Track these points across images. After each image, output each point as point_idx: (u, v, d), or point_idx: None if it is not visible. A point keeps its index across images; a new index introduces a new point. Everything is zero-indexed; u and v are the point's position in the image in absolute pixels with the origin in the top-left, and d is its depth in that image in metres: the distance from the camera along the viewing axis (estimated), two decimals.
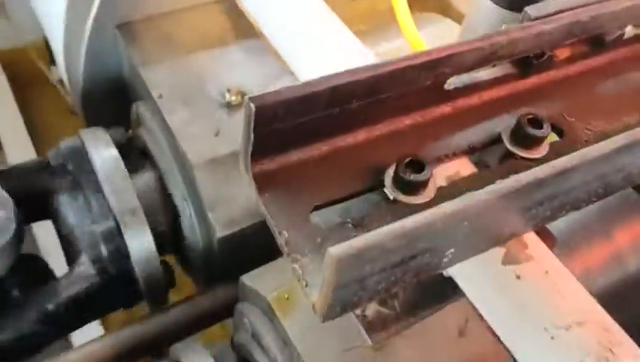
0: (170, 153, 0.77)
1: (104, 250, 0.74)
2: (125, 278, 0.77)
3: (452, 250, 0.38)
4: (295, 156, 0.45)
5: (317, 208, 0.43)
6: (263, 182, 0.43)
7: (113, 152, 0.77)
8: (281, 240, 0.40)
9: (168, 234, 0.81)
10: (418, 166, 0.43)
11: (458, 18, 1.07)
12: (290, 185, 0.44)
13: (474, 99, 0.52)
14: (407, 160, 0.44)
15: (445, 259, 0.38)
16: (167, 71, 0.82)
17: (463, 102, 0.51)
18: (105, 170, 0.76)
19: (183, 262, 0.86)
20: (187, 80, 0.82)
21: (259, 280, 0.67)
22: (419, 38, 0.79)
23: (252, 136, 0.41)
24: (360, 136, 0.47)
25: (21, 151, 1.67)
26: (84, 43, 0.88)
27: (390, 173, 0.44)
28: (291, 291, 0.61)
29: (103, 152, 0.77)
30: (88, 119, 0.96)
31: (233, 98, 0.79)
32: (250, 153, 0.42)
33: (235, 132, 0.77)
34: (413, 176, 0.43)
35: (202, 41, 0.87)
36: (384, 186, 0.44)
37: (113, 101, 0.93)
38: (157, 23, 0.89)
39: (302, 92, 0.41)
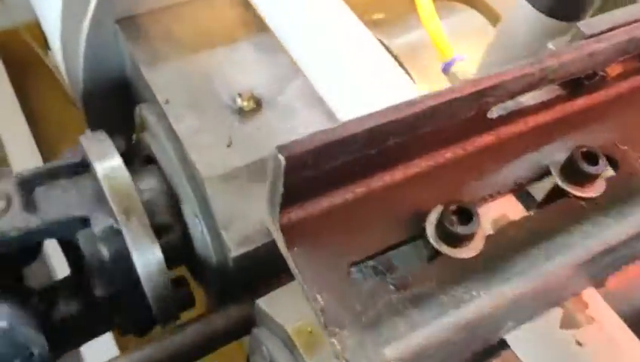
0: (179, 164, 0.72)
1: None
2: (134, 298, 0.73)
3: (510, 323, 0.34)
4: (326, 202, 0.40)
5: (353, 264, 0.38)
6: (292, 235, 0.39)
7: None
8: (316, 307, 0.36)
9: (178, 246, 0.77)
10: (465, 214, 0.39)
11: (484, 9, 1.01)
12: (321, 236, 0.39)
13: (519, 126, 0.47)
14: (452, 207, 0.39)
15: (501, 331, 0.34)
16: (172, 72, 0.77)
17: (507, 131, 0.46)
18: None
19: (194, 273, 0.82)
20: (195, 82, 0.76)
21: (277, 305, 0.62)
22: (441, 30, 0.74)
23: (281, 188, 0.36)
24: (397, 174, 0.42)
25: (18, 135, 1.62)
26: (83, 41, 0.82)
27: (432, 220, 0.40)
28: (314, 324, 0.57)
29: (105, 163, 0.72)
30: (90, 118, 0.91)
31: (245, 103, 0.74)
32: (278, 206, 0.37)
33: (248, 142, 0.73)
34: (460, 229, 0.38)
35: (209, 38, 0.81)
36: (426, 235, 0.40)
37: (116, 99, 0.88)
38: (160, 17, 0.83)
39: (335, 137, 0.36)
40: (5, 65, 1.60)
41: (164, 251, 0.70)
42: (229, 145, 0.72)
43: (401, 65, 0.87)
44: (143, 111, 0.78)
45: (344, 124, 0.36)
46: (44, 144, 1.58)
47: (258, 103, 0.75)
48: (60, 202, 0.69)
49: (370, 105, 0.53)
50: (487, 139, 0.46)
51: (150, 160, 0.79)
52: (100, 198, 0.69)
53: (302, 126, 0.75)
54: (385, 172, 0.42)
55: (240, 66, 0.79)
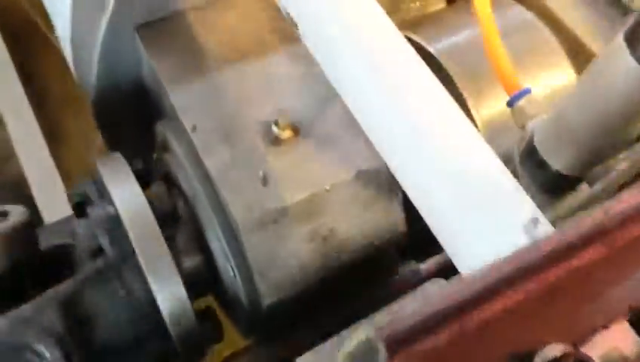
0: (209, 203, 0.65)
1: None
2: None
3: None
4: (419, 346, 0.34)
5: None
6: None
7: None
8: None
9: (204, 277, 0.71)
10: None
11: (534, 4, 0.90)
12: None
13: (634, 230, 0.40)
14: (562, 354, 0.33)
15: None
16: (200, 92, 0.68)
17: (621, 237, 0.39)
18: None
19: (222, 305, 0.76)
20: (224, 104, 0.68)
21: None
22: (506, 57, 0.65)
23: None
24: (495, 305, 0.36)
25: (17, 108, 1.53)
26: (97, 48, 0.73)
27: None
28: None
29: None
30: (104, 131, 0.82)
31: (282, 132, 0.66)
32: None
33: (285, 178, 0.65)
34: None
35: (240, 48, 0.72)
36: None
37: (133, 110, 0.80)
38: (184, 22, 0.73)
39: (445, 304, 0.29)
40: (4, 36, 1.49)
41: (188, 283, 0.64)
42: (264, 183, 0.64)
43: (450, 80, 0.79)
44: (167, 134, 0.70)
45: (457, 286, 0.29)
46: (46, 119, 1.49)
47: (295, 131, 0.67)
48: None
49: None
50: (598, 249, 0.39)
51: (169, 178, 0.72)
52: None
53: (344, 158, 0.67)
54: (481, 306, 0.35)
55: (274, 84, 0.70)
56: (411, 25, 0.89)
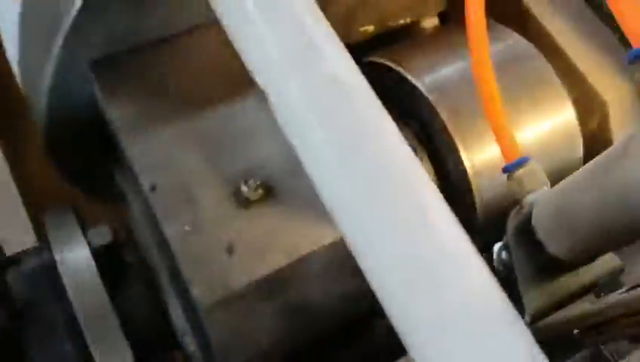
0: (168, 274, 0.58)
1: None
2: None
3: None
4: None
5: None
6: None
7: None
8: None
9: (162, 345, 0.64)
10: None
11: (535, 32, 0.83)
12: None
13: None
14: None
15: None
16: (161, 145, 0.61)
17: None
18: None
19: None
20: (188, 159, 0.60)
21: None
22: (507, 123, 0.58)
23: None
24: None
25: None
26: (47, 80, 0.65)
27: None
28: None
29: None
30: (58, 165, 0.75)
31: (252, 194, 0.59)
32: None
33: (255, 246, 0.59)
34: None
35: (206, 89, 0.64)
36: None
37: (87, 146, 0.72)
38: (146, 59, 0.65)
39: None
40: None
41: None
42: (230, 252, 0.57)
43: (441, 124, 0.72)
44: (124, 188, 0.63)
45: None
46: None
47: (267, 191, 0.60)
48: None
49: None
50: None
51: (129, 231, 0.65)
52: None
53: (320, 221, 0.60)
54: None
55: (244, 135, 0.63)
56: (400, 52, 0.81)
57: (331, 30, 0.47)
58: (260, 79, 0.47)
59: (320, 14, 0.47)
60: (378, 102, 0.47)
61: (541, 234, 0.54)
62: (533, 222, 0.55)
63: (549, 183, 0.58)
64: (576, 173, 0.51)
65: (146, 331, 0.61)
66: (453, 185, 0.76)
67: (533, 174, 0.57)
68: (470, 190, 0.74)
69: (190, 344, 0.60)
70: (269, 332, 0.58)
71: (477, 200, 0.75)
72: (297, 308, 0.60)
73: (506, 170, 0.58)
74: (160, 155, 0.60)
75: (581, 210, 0.49)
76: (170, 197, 0.58)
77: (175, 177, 0.59)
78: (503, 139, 0.58)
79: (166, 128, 0.61)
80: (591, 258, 0.54)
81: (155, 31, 0.65)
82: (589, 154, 0.81)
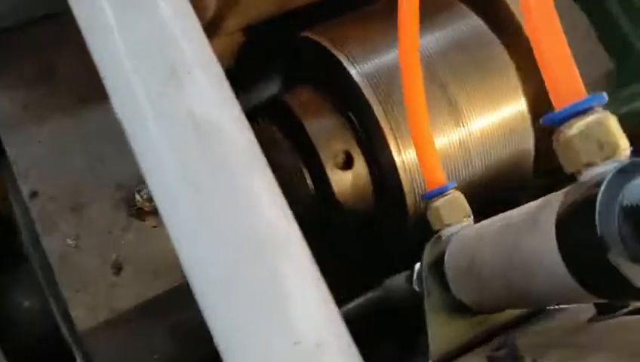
0: (49, 293, 0.53)
1: None
2: None
3: None
4: None
5: None
6: None
7: None
8: None
9: None
10: None
11: (499, 12, 0.76)
12: None
13: None
14: None
15: None
16: (45, 144, 0.54)
17: None
18: None
19: None
20: (75, 162, 0.54)
21: None
22: (434, 148, 0.52)
23: None
24: None
25: None
26: None
27: None
28: None
29: None
30: None
31: (146, 203, 0.54)
32: None
33: (146, 263, 0.54)
34: None
35: (98, 80, 0.57)
36: None
37: None
38: (28, 38, 0.57)
39: None
40: None
41: None
42: (117, 269, 0.53)
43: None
44: (8, 189, 0.57)
45: None
46: None
47: None
48: None
49: None
50: None
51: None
52: None
53: None
54: None
55: None
56: (337, 29, 0.74)
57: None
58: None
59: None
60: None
61: (451, 283, 0.50)
62: (446, 264, 0.51)
63: (471, 215, 0.53)
64: (489, 227, 0.46)
65: (30, 339, 0.58)
66: (385, 181, 0.71)
67: (455, 205, 0.52)
68: (401, 186, 0.70)
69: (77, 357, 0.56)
70: (159, 353, 0.55)
71: (407, 197, 0.70)
72: (190, 329, 0.56)
73: (425, 195, 0.53)
74: (43, 156, 0.54)
75: (489, 276, 0.45)
76: (51, 205, 0.53)
77: (59, 182, 0.53)
78: (427, 162, 0.53)
79: (51, 125, 0.55)
80: (498, 310, 0.51)
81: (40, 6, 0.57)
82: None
